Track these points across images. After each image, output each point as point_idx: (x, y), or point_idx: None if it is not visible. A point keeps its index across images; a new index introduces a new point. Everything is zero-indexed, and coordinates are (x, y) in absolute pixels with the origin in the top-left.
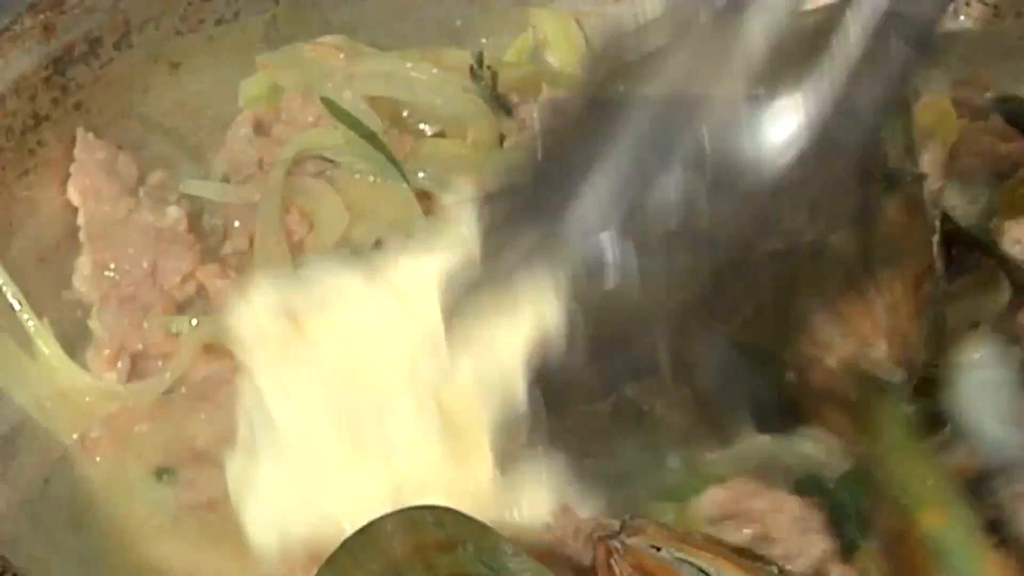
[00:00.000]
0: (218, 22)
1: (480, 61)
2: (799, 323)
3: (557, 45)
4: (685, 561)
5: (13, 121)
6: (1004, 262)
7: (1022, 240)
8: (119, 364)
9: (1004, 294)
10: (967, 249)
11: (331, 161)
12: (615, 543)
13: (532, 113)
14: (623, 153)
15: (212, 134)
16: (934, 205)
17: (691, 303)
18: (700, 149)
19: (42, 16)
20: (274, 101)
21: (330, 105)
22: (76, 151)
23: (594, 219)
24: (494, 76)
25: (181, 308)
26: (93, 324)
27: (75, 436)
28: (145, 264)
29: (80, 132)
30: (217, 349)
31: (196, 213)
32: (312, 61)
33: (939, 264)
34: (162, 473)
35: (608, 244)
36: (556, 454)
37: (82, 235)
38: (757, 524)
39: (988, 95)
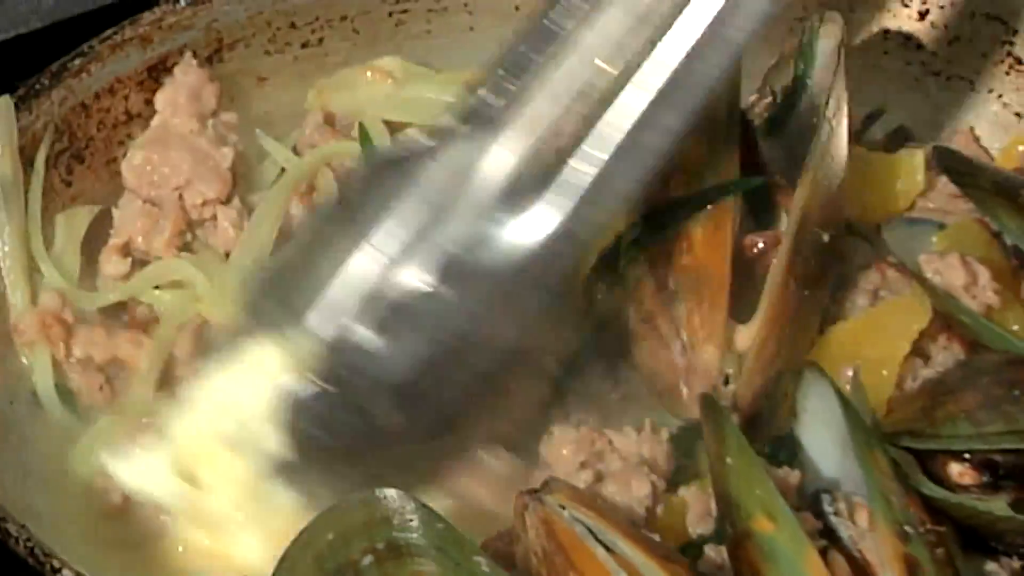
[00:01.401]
0: (304, 45)
1: None
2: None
3: None
4: (579, 521)
5: (106, 116)
6: (931, 291)
7: (939, 271)
8: (124, 259)
9: (922, 322)
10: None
11: None
12: (532, 498)
13: None
14: (368, 253)
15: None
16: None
17: (425, 375)
18: (443, 253)
19: (142, 29)
20: None
21: (362, 131)
22: (177, 68)
23: (338, 305)
24: None
25: (191, 225)
26: (115, 213)
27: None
28: (182, 178)
29: (187, 55)
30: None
31: (246, 161)
32: (362, 86)
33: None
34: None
35: (346, 327)
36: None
37: (147, 134)
38: (599, 464)
39: (936, 145)
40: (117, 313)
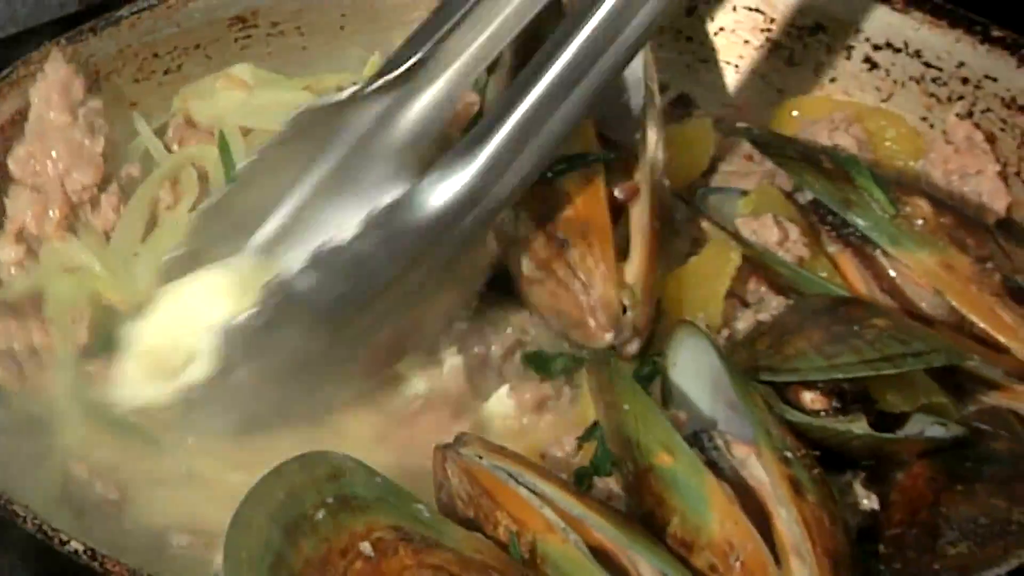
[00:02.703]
0: (166, 72)
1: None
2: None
3: None
4: (499, 468)
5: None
6: (751, 248)
7: (756, 231)
8: (18, 245)
9: (735, 262)
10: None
11: None
12: (450, 451)
13: None
14: (308, 197)
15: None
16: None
17: (345, 310)
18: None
19: (32, 67)
20: None
21: (221, 139)
22: (47, 65)
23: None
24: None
25: (75, 208)
26: (7, 203)
27: None
28: (61, 166)
29: (55, 52)
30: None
31: (116, 149)
32: (219, 93)
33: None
34: None
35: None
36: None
37: (27, 127)
38: None
39: (739, 124)
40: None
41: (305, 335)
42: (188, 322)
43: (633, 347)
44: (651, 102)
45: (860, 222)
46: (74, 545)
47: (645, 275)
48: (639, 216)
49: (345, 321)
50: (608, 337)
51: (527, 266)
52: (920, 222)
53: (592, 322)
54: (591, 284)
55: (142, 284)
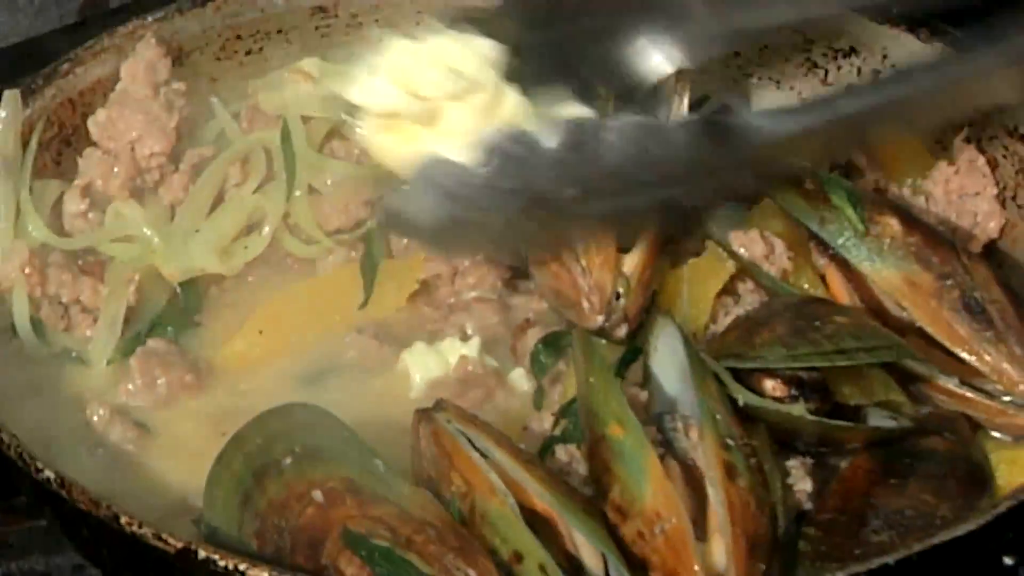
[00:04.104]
0: (247, 53)
1: None
2: None
3: None
4: (461, 432)
5: (88, 109)
6: (739, 260)
7: (744, 245)
8: (84, 200)
9: (730, 269)
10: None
11: None
12: (426, 415)
13: None
14: None
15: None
16: None
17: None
18: None
19: (117, 40)
20: None
21: (284, 127)
22: (139, 45)
23: None
24: None
25: (141, 172)
26: (80, 161)
27: None
28: (135, 133)
29: (148, 35)
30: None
31: (192, 128)
32: (288, 86)
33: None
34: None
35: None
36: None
37: (111, 96)
38: None
39: None
40: (78, 256)
41: (584, 176)
42: (442, 65)
43: (621, 332)
44: (672, 103)
45: (833, 240)
46: (47, 473)
47: (642, 268)
48: None
49: (619, 181)
50: (599, 319)
51: None
52: (888, 241)
53: (586, 304)
54: (590, 269)
55: (196, 261)
